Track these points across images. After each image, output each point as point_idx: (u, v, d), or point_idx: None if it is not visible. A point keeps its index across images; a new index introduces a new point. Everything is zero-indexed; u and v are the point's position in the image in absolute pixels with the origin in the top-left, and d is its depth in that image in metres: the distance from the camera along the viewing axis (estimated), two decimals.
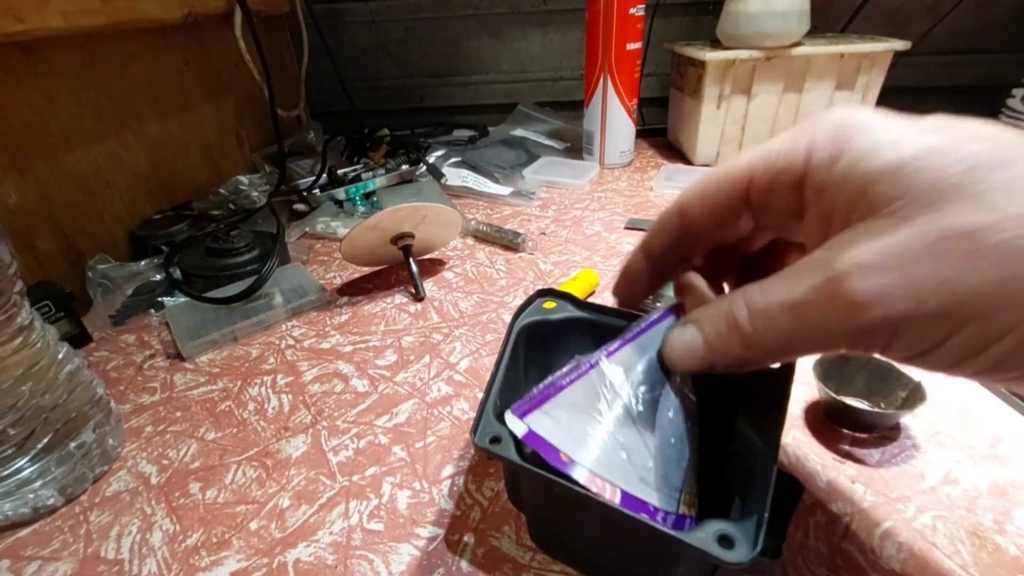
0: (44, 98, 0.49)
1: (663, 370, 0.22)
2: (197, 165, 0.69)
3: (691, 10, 0.92)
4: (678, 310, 0.23)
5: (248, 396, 0.38)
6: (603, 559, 0.24)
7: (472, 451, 0.32)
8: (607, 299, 0.46)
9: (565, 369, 0.22)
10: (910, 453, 0.30)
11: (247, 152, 0.80)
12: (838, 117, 0.17)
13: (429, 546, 0.27)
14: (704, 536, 0.17)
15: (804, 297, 0.16)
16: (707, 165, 0.76)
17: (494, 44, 0.99)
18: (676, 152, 0.83)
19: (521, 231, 0.57)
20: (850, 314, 0.15)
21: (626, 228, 0.59)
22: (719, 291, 0.25)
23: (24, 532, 0.29)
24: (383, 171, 0.71)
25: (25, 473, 0.29)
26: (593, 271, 0.48)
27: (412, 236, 0.49)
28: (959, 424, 0.31)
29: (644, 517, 0.18)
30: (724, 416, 0.23)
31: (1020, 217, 0.13)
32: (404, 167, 0.73)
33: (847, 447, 0.30)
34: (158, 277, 0.52)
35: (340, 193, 0.67)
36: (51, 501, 0.30)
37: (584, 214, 0.63)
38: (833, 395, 0.31)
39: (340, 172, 0.71)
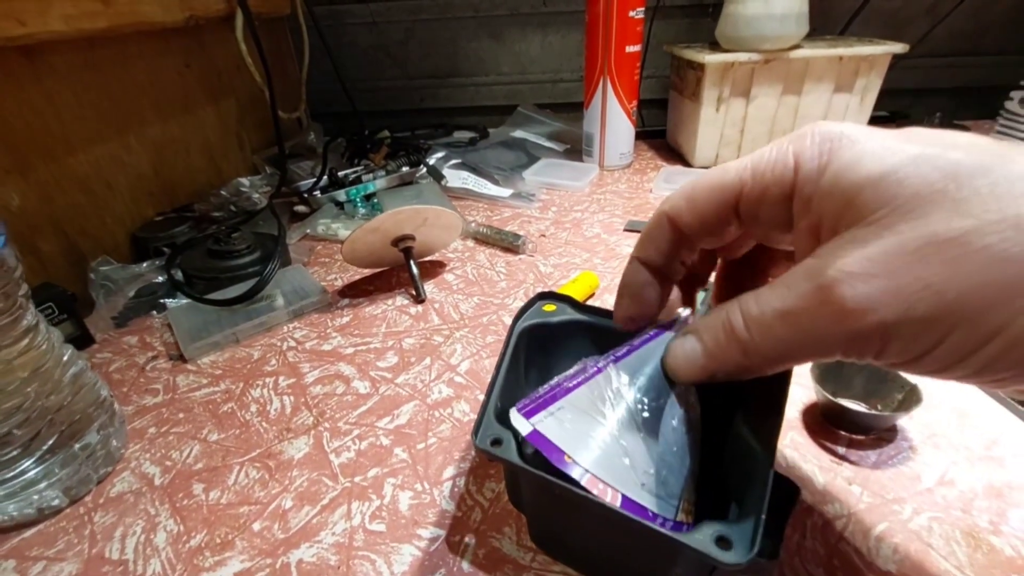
0: (46, 100, 0.49)
1: (667, 379, 0.22)
2: (198, 167, 0.70)
3: (690, 12, 0.92)
4: (686, 320, 0.23)
5: (250, 398, 0.38)
6: (602, 560, 0.25)
7: (473, 453, 0.32)
8: (607, 301, 0.47)
9: (571, 371, 0.23)
10: (906, 455, 0.30)
11: (248, 154, 0.80)
12: (823, 129, 0.17)
13: (431, 547, 0.27)
14: (702, 537, 0.18)
15: (796, 305, 0.16)
16: (706, 167, 0.76)
17: (494, 46, 0.99)
18: (675, 154, 0.83)
19: (521, 233, 0.57)
20: (842, 321, 0.15)
21: (625, 230, 0.59)
22: (689, 296, 0.25)
23: (29, 533, 0.30)
24: (383, 173, 0.72)
25: (30, 474, 0.29)
26: (593, 273, 0.49)
27: (413, 238, 0.49)
28: (955, 426, 0.32)
29: (645, 521, 0.19)
30: (722, 419, 0.23)
31: (1002, 222, 0.13)
32: (404, 169, 0.73)
33: (844, 449, 0.31)
34: (160, 279, 0.52)
35: (341, 195, 0.67)
36: (56, 502, 0.30)
37: (584, 216, 0.64)
38: (830, 397, 0.31)
39: (341, 174, 0.71)
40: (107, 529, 0.29)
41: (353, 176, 0.71)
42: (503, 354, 0.26)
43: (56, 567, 0.28)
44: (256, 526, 0.29)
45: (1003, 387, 0.15)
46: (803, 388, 0.34)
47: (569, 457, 0.20)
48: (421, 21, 0.98)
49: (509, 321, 0.45)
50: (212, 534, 0.29)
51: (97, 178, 0.54)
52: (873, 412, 0.31)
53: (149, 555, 0.28)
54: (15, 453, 0.29)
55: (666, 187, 0.69)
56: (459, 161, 0.79)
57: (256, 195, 0.69)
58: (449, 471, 0.31)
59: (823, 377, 0.32)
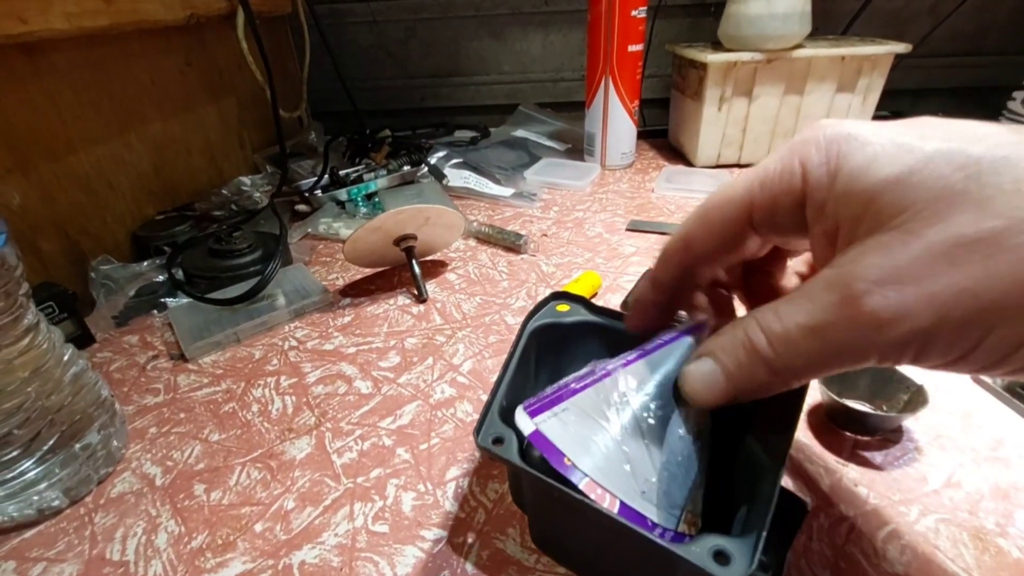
0: (47, 99, 0.49)
1: (675, 394, 0.21)
2: (199, 166, 0.69)
3: (692, 12, 0.92)
4: (700, 328, 0.23)
5: (252, 397, 0.38)
6: (601, 566, 0.24)
7: (476, 453, 0.32)
8: (609, 301, 0.47)
9: (580, 373, 0.22)
10: (913, 456, 0.30)
11: (249, 153, 0.80)
12: (827, 133, 0.17)
13: (434, 548, 0.27)
14: (699, 551, 0.17)
15: (824, 319, 0.16)
16: (708, 167, 0.76)
17: (495, 45, 0.99)
18: (677, 154, 0.83)
19: (523, 232, 0.57)
20: (877, 331, 0.15)
21: (627, 230, 0.59)
22: (724, 307, 0.25)
23: (29, 533, 0.29)
24: (385, 172, 0.71)
25: (30, 475, 0.29)
26: (595, 273, 0.48)
27: (415, 238, 0.49)
28: (961, 427, 0.31)
29: (640, 529, 0.18)
30: (733, 430, 0.23)
31: None
32: (406, 168, 0.73)
33: (850, 450, 0.30)
34: (161, 278, 0.52)
35: (342, 194, 0.67)
36: (56, 503, 0.30)
37: (586, 215, 0.64)
38: (836, 398, 0.31)
39: (342, 173, 0.71)
40: (108, 530, 0.29)
41: (354, 175, 0.71)
42: (511, 352, 0.26)
43: (56, 568, 0.27)
44: (258, 527, 0.29)
45: None
46: (808, 389, 0.33)
47: (569, 460, 0.20)
48: (422, 20, 0.97)
49: (511, 321, 0.45)
50: (214, 535, 0.28)
51: (98, 177, 0.54)
52: (879, 413, 0.31)
53: (150, 556, 0.28)
54: (15, 453, 0.28)
55: (668, 187, 0.69)
56: (460, 160, 0.78)
57: (257, 194, 0.69)
58: (452, 472, 0.31)
59: (828, 378, 0.32)
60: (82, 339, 0.45)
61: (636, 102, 0.74)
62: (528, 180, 0.73)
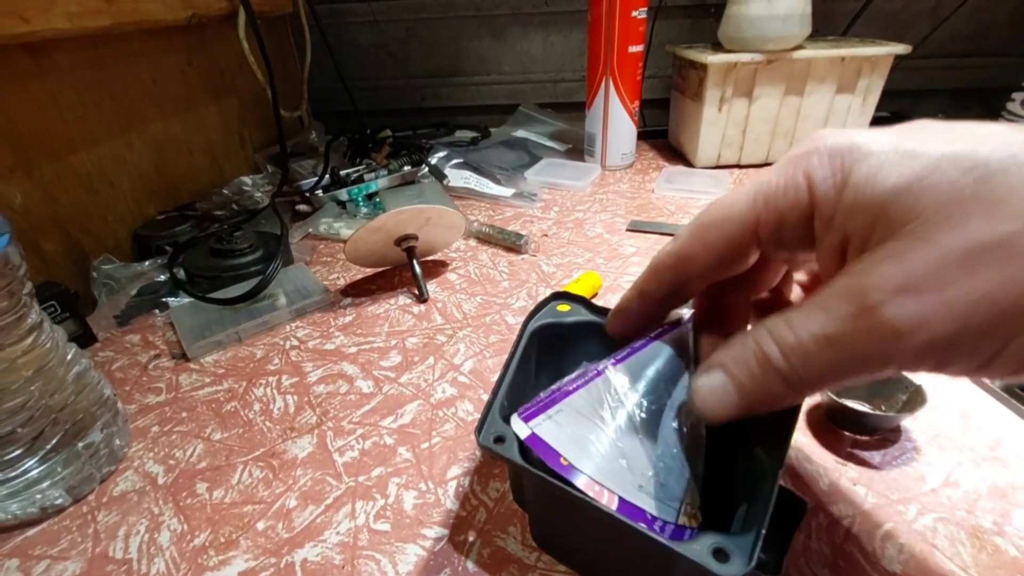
0: (49, 99, 0.49)
1: (670, 382, 0.22)
2: (200, 166, 0.70)
3: (692, 13, 0.92)
4: (687, 322, 0.23)
5: (253, 397, 0.38)
6: (601, 564, 0.25)
7: (477, 452, 0.32)
8: (610, 301, 0.47)
9: (573, 375, 0.23)
10: (911, 455, 0.30)
11: (250, 153, 0.80)
12: (829, 143, 0.16)
13: (435, 546, 0.27)
14: (699, 548, 0.17)
15: (839, 330, 0.15)
16: (708, 167, 0.76)
17: (496, 45, 0.99)
18: (677, 154, 0.83)
19: (523, 233, 0.57)
20: (894, 342, 0.14)
21: (628, 230, 0.59)
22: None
23: (32, 531, 0.29)
24: (385, 172, 0.72)
25: (33, 473, 0.29)
26: (596, 273, 0.49)
27: (416, 238, 0.49)
28: (959, 427, 0.32)
29: (641, 526, 0.18)
30: (732, 428, 0.23)
31: None
32: (406, 168, 0.73)
33: (849, 449, 0.31)
34: (162, 277, 0.52)
35: (343, 194, 0.67)
36: (59, 501, 0.30)
37: (586, 216, 0.64)
38: (835, 398, 0.31)
39: (342, 173, 0.71)
40: (111, 528, 0.29)
41: (355, 175, 0.71)
42: (512, 352, 0.26)
43: (60, 566, 0.28)
44: (260, 525, 0.29)
45: None
46: None
47: (565, 460, 0.20)
48: (423, 20, 0.98)
49: (512, 321, 0.45)
50: (216, 533, 0.29)
51: (99, 176, 0.54)
52: (877, 413, 0.31)
53: (153, 554, 0.28)
54: (18, 452, 0.29)
55: (668, 187, 0.69)
56: (461, 160, 0.79)
57: (258, 194, 0.69)
58: (453, 471, 0.31)
59: None
60: (84, 338, 0.45)
61: (636, 103, 0.75)
62: (528, 180, 0.73)
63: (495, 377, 0.25)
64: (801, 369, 0.16)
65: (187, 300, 0.49)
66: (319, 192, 0.68)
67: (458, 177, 0.74)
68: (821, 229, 0.17)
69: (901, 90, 0.88)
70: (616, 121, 0.75)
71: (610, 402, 0.21)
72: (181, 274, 0.51)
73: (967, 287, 0.13)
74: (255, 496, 0.31)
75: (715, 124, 0.73)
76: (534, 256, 0.55)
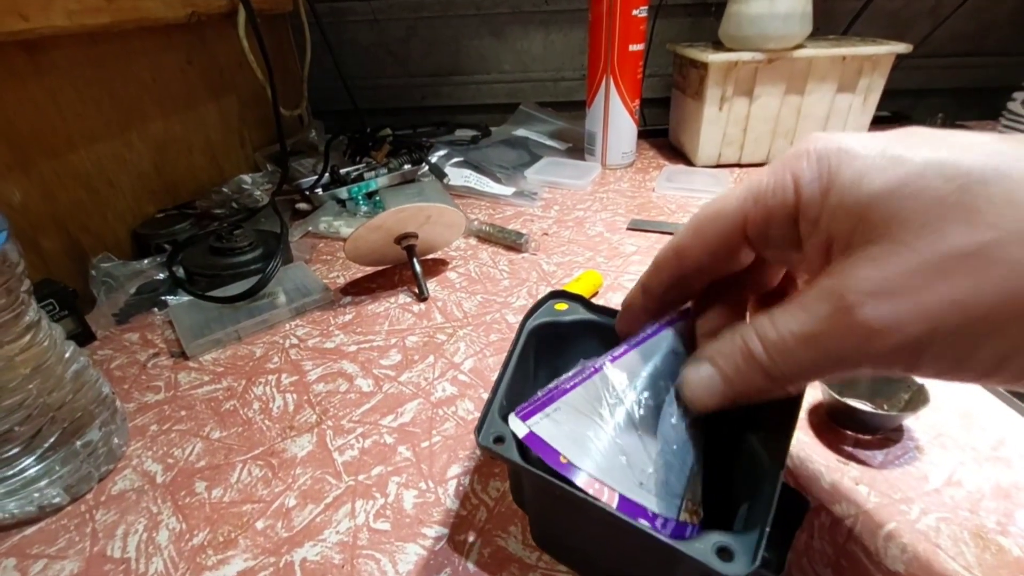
0: (48, 97, 0.49)
1: (668, 378, 0.22)
2: (200, 164, 0.69)
3: (693, 11, 0.92)
4: (684, 316, 0.23)
5: (253, 395, 0.38)
6: (602, 564, 0.24)
7: (477, 451, 0.32)
8: (610, 300, 0.47)
9: (570, 373, 0.23)
10: (913, 455, 0.30)
11: (249, 151, 0.80)
12: (819, 146, 0.17)
13: (435, 546, 0.27)
14: (703, 547, 0.17)
15: (818, 328, 0.16)
16: (709, 166, 0.76)
17: (496, 44, 0.99)
18: (678, 153, 0.83)
19: (524, 231, 0.57)
20: (868, 341, 0.15)
21: (628, 229, 0.59)
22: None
23: (30, 530, 0.29)
24: (385, 170, 0.71)
25: (31, 472, 0.29)
26: (596, 272, 0.49)
27: (416, 236, 0.49)
28: (962, 426, 0.31)
29: (643, 523, 0.18)
30: (733, 427, 0.23)
31: (1021, 232, 0.13)
32: (406, 167, 0.73)
33: (851, 449, 0.30)
34: (161, 276, 0.52)
35: (343, 192, 0.67)
36: (57, 499, 0.30)
37: (586, 215, 0.64)
38: (837, 397, 0.31)
39: (342, 171, 0.71)
40: (109, 527, 0.29)
41: (355, 174, 0.71)
42: (511, 352, 0.26)
43: (57, 565, 0.27)
44: (259, 524, 0.29)
45: None
46: (809, 387, 0.33)
47: (564, 458, 0.20)
48: (423, 19, 0.97)
49: (512, 319, 0.45)
50: (215, 532, 0.28)
51: (99, 175, 0.54)
52: (880, 412, 0.31)
53: (151, 553, 0.28)
54: (16, 450, 0.28)
55: (668, 186, 0.69)
56: (461, 159, 0.78)
57: (258, 192, 0.69)
58: (454, 470, 0.31)
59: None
60: (83, 336, 0.45)
61: (637, 101, 0.75)
62: (529, 179, 0.73)
63: (495, 376, 0.25)
64: (782, 364, 0.17)
65: (186, 298, 0.48)
66: (319, 190, 0.68)
67: (458, 176, 0.74)
68: (807, 230, 0.17)
69: (902, 89, 0.88)
70: (616, 120, 0.74)
71: (608, 399, 0.21)
72: (180, 272, 0.51)
73: (940, 292, 0.14)
74: (254, 495, 0.30)
75: (716, 123, 0.72)
76: (534, 255, 0.55)
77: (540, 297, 0.29)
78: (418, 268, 0.49)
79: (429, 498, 0.29)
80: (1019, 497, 0.27)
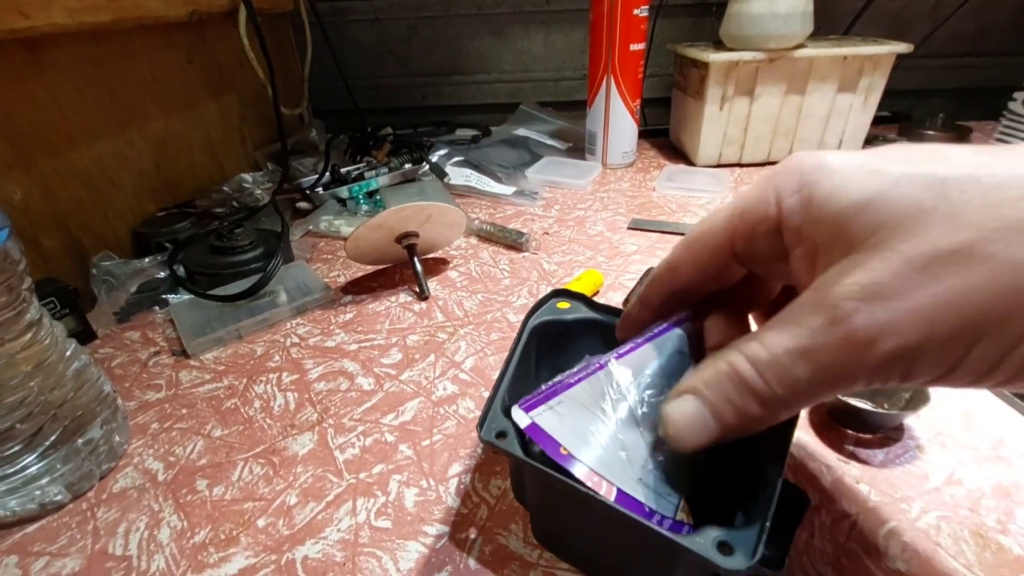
0: (49, 95, 0.49)
1: (673, 378, 0.22)
2: (200, 163, 0.69)
3: (693, 11, 0.92)
4: (690, 317, 0.23)
5: (254, 394, 0.38)
6: (603, 560, 0.24)
7: (479, 449, 0.32)
8: (611, 299, 0.47)
9: (575, 368, 0.23)
10: (914, 454, 0.30)
11: (250, 150, 0.80)
12: (800, 160, 0.17)
13: (436, 543, 0.27)
14: (703, 542, 0.17)
15: (813, 342, 0.15)
16: (709, 166, 0.76)
17: (497, 43, 0.99)
18: (678, 153, 0.83)
19: (524, 231, 0.57)
20: (866, 350, 0.14)
21: (629, 228, 0.59)
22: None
23: (31, 528, 0.29)
24: (386, 170, 0.71)
25: (32, 469, 0.29)
26: (597, 271, 0.49)
27: (416, 235, 0.49)
28: (962, 425, 0.32)
29: (642, 519, 0.18)
30: None
31: (1002, 229, 0.13)
32: (407, 166, 0.73)
33: (851, 447, 0.30)
34: (162, 274, 0.52)
35: (343, 191, 0.67)
36: (58, 497, 0.30)
37: (587, 214, 0.64)
38: (837, 395, 0.31)
39: (343, 170, 0.71)
40: (110, 525, 0.29)
41: (356, 173, 0.71)
42: (513, 349, 0.26)
43: (59, 563, 0.27)
44: (261, 522, 0.29)
45: None
46: None
47: (565, 450, 0.20)
48: (424, 18, 0.97)
49: (513, 318, 0.45)
50: (216, 530, 0.28)
51: (99, 173, 0.54)
52: (880, 411, 0.31)
53: (153, 551, 0.28)
54: (17, 448, 0.28)
55: (669, 185, 0.69)
56: (462, 158, 0.78)
57: (258, 191, 0.69)
58: (455, 468, 0.31)
59: None
60: (84, 335, 0.45)
61: (637, 101, 0.75)
62: (529, 179, 0.73)
63: (496, 374, 0.25)
64: (777, 386, 0.16)
65: (187, 297, 0.48)
66: (320, 190, 0.68)
67: (459, 175, 0.74)
68: (791, 240, 0.18)
69: (902, 89, 0.88)
70: (617, 119, 0.74)
71: (612, 395, 0.21)
72: (181, 271, 0.51)
73: (932, 292, 0.14)
74: (255, 493, 0.30)
75: (716, 123, 0.72)
76: (535, 254, 0.55)
77: (542, 295, 0.29)
78: (419, 267, 0.49)
79: (430, 496, 0.30)
80: (1019, 496, 0.27)
